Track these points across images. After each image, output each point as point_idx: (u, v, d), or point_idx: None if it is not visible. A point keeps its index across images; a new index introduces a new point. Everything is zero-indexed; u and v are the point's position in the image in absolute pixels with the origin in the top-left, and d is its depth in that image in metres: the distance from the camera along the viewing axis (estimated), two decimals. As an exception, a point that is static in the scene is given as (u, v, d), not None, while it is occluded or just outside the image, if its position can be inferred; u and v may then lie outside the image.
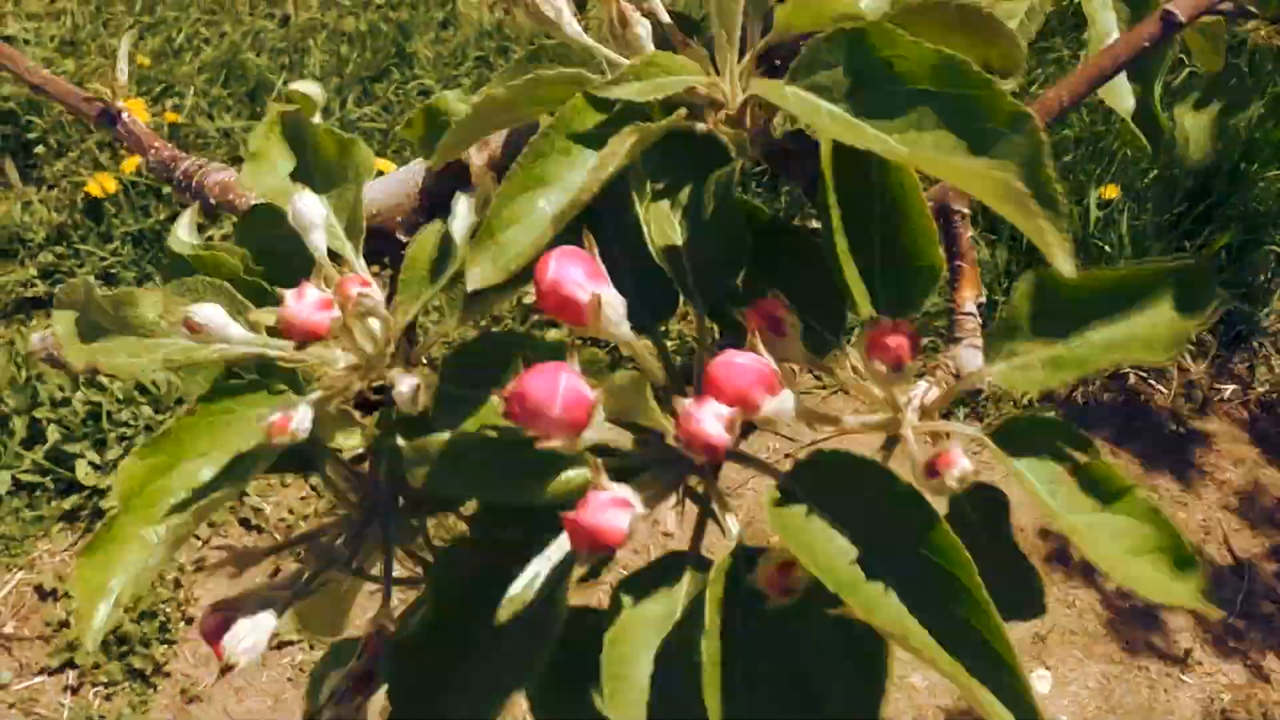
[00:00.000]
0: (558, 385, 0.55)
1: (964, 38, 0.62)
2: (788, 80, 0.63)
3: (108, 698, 2.77)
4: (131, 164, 3.87)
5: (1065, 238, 0.56)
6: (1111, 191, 3.57)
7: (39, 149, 4.08)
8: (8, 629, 2.90)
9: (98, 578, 0.69)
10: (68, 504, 3.09)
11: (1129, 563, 0.60)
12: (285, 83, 4.32)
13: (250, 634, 0.72)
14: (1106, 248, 3.51)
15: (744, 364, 0.57)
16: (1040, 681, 2.74)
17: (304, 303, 0.68)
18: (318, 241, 0.72)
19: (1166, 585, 0.60)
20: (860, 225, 0.66)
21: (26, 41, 4.57)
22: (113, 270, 3.66)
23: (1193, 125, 1.53)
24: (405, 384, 0.68)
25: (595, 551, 0.56)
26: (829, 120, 0.61)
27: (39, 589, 2.97)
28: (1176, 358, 3.34)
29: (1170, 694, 2.73)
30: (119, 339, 0.76)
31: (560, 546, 0.61)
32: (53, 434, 3.16)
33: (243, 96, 4.31)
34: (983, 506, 0.66)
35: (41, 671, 2.82)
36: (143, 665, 2.80)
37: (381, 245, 0.84)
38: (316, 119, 0.84)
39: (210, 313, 0.69)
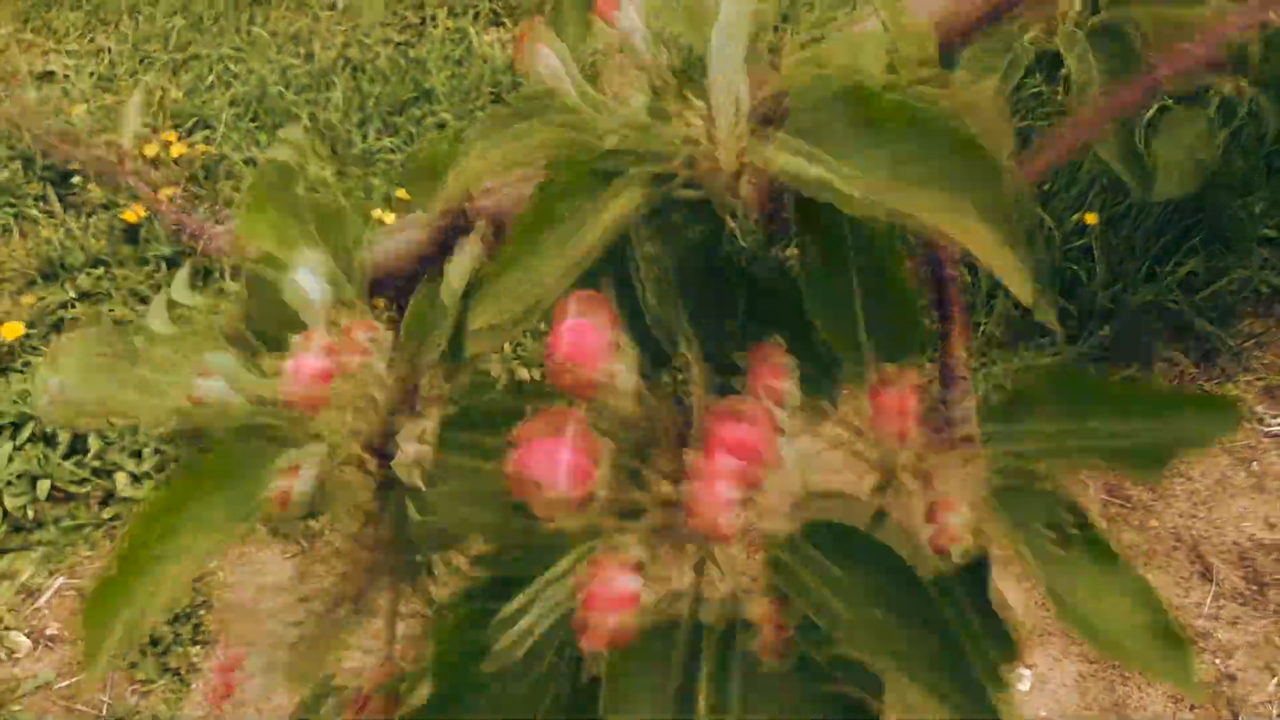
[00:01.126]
0: (559, 460, 0.52)
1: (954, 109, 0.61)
2: (778, 143, 0.62)
3: (144, 695, 2.76)
4: (166, 193, 3.88)
5: (1022, 268, 0.56)
6: (1090, 218, 3.56)
7: (77, 179, 4.09)
8: (50, 630, 2.90)
9: (106, 615, 0.67)
10: (107, 514, 3.09)
11: (1106, 627, 0.59)
12: (311, 115, 4.33)
13: (258, 672, 0.70)
14: (1082, 274, 3.50)
15: (743, 414, 0.55)
16: (1021, 680, 2.74)
17: (309, 353, 0.65)
18: (312, 317, 0.70)
19: (1154, 661, 0.58)
20: (841, 281, 0.65)
21: (67, 77, 4.58)
22: (146, 295, 3.66)
23: (1169, 161, 1.53)
24: (408, 436, 0.66)
25: (606, 622, 0.54)
26: (816, 180, 0.60)
27: (80, 593, 2.97)
28: (1146, 377, 3.34)
29: (1143, 691, 2.72)
30: (130, 382, 0.74)
31: (561, 583, 0.58)
32: (95, 445, 3.16)
33: (271, 129, 4.32)
34: (966, 567, 0.65)
35: (83, 670, 2.81)
36: (177, 664, 2.79)
37: (393, 292, 0.82)
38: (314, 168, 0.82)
39: (212, 386, 0.67)
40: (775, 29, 0.70)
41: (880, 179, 0.59)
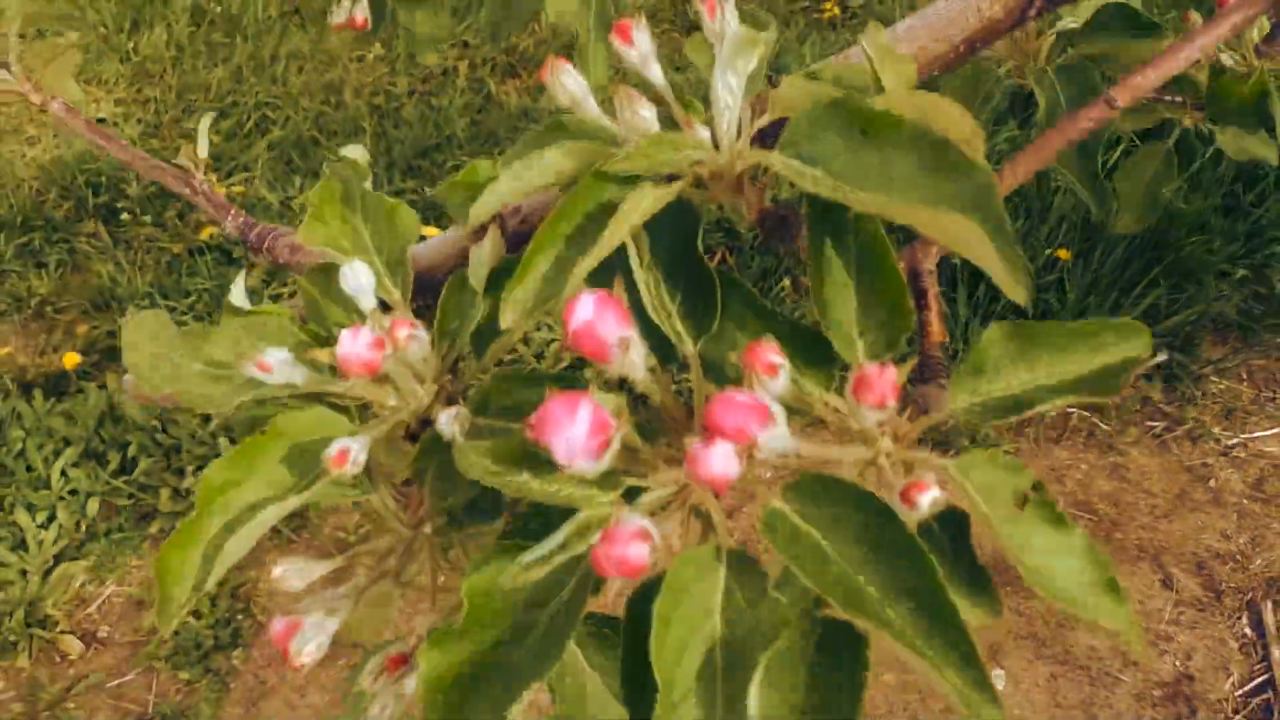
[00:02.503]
0: (580, 411, 0.55)
1: (934, 119, 0.62)
2: (778, 150, 0.64)
3: (188, 694, 2.77)
4: (207, 231, 3.91)
5: (1017, 269, 0.57)
6: (1064, 254, 3.58)
7: (126, 216, 4.12)
8: (101, 633, 2.91)
9: (176, 567, 0.69)
10: (154, 528, 3.10)
11: (1060, 582, 0.61)
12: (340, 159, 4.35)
13: (314, 636, 0.72)
14: (1055, 303, 3.52)
15: (741, 401, 0.57)
16: (996, 680, 2.74)
17: (359, 342, 0.68)
18: (366, 303, 0.73)
19: (1093, 605, 0.60)
20: (840, 279, 0.67)
21: (116, 124, 4.61)
22: (187, 323, 3.67)
23: (1128, 195, 1.54)
24: (445, 418, 0.68)
25: (619, 578, 0.55)
26: (812, 181, 0.62)
27: (129, 599, 2.98)
28: (1115, 400, 3.35)
29: (1109, 690, 2.72)
30: (190, 372, 0.76)
31: (571, 528, 0.60)
32: (142, 464, 3.18)
33: (304, 172, 4.33)
34: (947, 523, 0.66)
35: (131, 671, 2.83)
36: (218, 665, 2.81)
37: (431, 297, 0.84)
38: (367, 184, 0.84)
39: (278, 355, 0.70)
40: (769, 77, 0.72)
41: (869, 181, 0.61)
